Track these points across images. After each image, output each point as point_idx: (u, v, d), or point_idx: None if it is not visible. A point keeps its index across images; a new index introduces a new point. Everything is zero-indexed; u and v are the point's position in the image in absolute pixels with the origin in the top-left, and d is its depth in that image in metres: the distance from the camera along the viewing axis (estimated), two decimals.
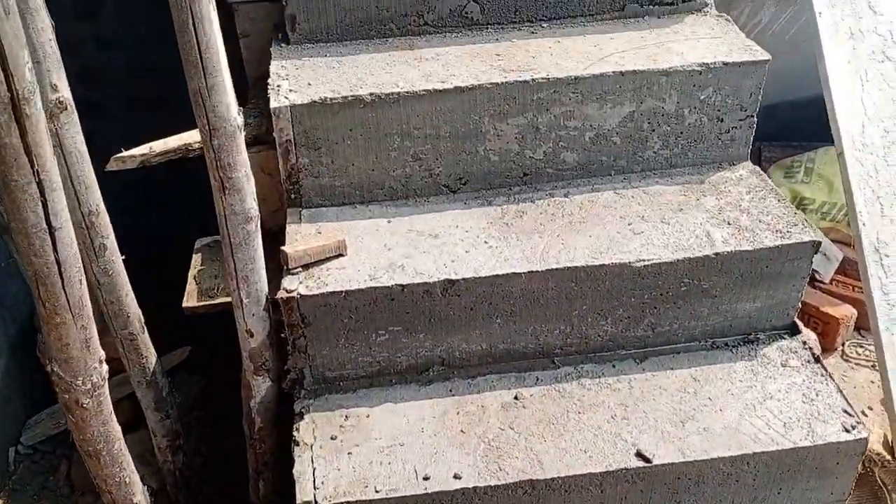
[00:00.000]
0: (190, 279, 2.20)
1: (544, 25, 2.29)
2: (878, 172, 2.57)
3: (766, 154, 4.52)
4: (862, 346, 3.25)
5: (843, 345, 3.30)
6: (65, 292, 1.38)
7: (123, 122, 3.48)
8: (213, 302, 2.10)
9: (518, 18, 2.28)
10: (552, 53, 2.13)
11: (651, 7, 2.31)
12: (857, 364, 3.22)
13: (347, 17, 2.21)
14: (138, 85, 4.00)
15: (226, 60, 1.59)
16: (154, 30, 2.79)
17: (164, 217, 3.30)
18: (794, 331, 2.07)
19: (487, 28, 2.27)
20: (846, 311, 3.21)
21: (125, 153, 2.12)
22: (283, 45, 2.23)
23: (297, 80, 2.04)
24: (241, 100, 2.40)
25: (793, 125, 4.06)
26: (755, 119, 2.18)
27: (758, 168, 2.21)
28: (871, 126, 2.61)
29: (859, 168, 2.54)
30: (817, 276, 3.48)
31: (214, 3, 1.53)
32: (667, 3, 2.31)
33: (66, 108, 1.69)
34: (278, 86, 2.01)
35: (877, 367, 2.49)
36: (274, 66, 2.11)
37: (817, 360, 1.99)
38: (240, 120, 1.64)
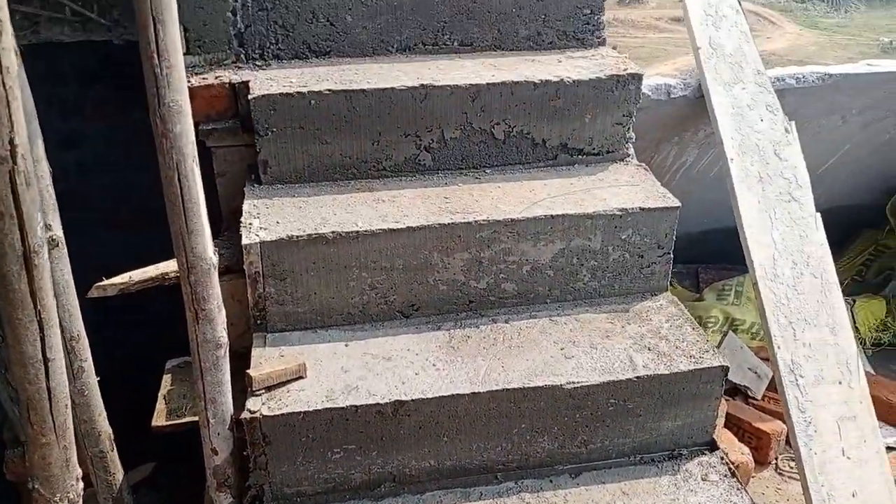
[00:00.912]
0: (160, 398, 2.36)
1: (488, 172, 2.60)
2: (790, 300, 2.87)
3: (703, 276, 4.87)
4: (794, 460, 3.47)
5: (776, 458, 3.52)
6: (52, 416, 1.55)
7: (103, 241, 3.71)
8: (180, 421, 2.26)
9: (465, 165, 2.59)
10: (493, 198, 2.43)
11: (580, 157, 2.64)
12: (789, 477, 3.43)
13: (314, 163, 2.49)
14: (116, 208, 4.26)
15: (205, 208, 1.83)
16: (131, 158, 3.04)
17: (133, 336, 3.46)
18: (713, 447, 2.29)
19: (438, 173, 2.57)
20: (777, 427, 3.45)
21: (106, 282, 2.33)
22: (255, 185, 2.49)
23: (266, 218, 2.30)
24: (216, 231, 2.65)
25: (726, 250, 4.40)
26: (671, 255, 2.48)
27: (675, 299, 2.49)
28: (782, 259, 2.94)
29: (772, 297, 2.84)
30: (749, 392, 3.74)
31: (197, 161, 1.80)
32: (593, 154, 2.64)
33: (57, 245, 1.92)
34: (250, 224, 2.26)
35: None
36: (247, 205, 2.37)
37: (733, 474, 2.20)
38: (215, 259, 1.87)
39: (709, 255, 4.77)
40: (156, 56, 1.65)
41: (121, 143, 3.84)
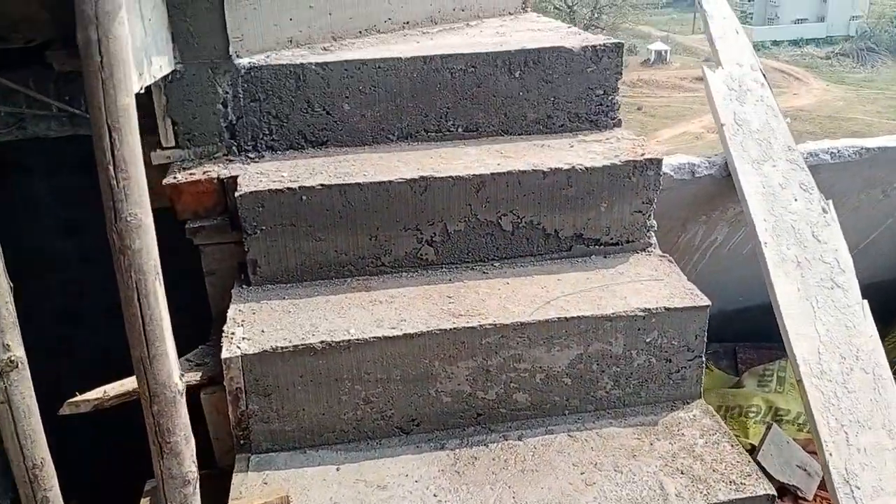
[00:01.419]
0: None
1: (496, 265, 2.39)
2: (840, 400, 2.58)
3: (741, 355, 4.55)
4: None
5: None
6: None
7: (101, 330, 3.55)
8: None
9: (471, 258, 2.39)
10: (501, 296, 2.21)
11: (597, 247, 2.42)
12: None
13: (307, 261, 2.31)
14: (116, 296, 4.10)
15: (170, 329, 1.64)
16: None
17: (110, 454, 3.27)
18: None
19: (441, 268, 2.37)
20: None
21: (79, 397, 2.14)
22: (244, 286, 2.31)
23: (251, 325, 2.10)
24: (204, 335, 2.45)
25: (765, 327, 4.11)
26: (703, 359, 2.22)
27: (710, 408, 2.22)
28: (828, 353, 2.65)
29: (820, 396, 2.55)
30: (799, 493, 3.38)
31: (161, 279, 1.61)
32: (611, 244, 2.43)
33: (17, 367, 1.72)
34: (232, 333, 2.06)
35: None
36: (232, 311, 2.18)
37: None
38: (181, 385, 1.67)
39: (747, 332, 4.47)
40: (111, 168, 1.49)
41: None
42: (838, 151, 3.12)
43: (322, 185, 2.24)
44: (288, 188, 2.22)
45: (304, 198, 2.23)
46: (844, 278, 2.80)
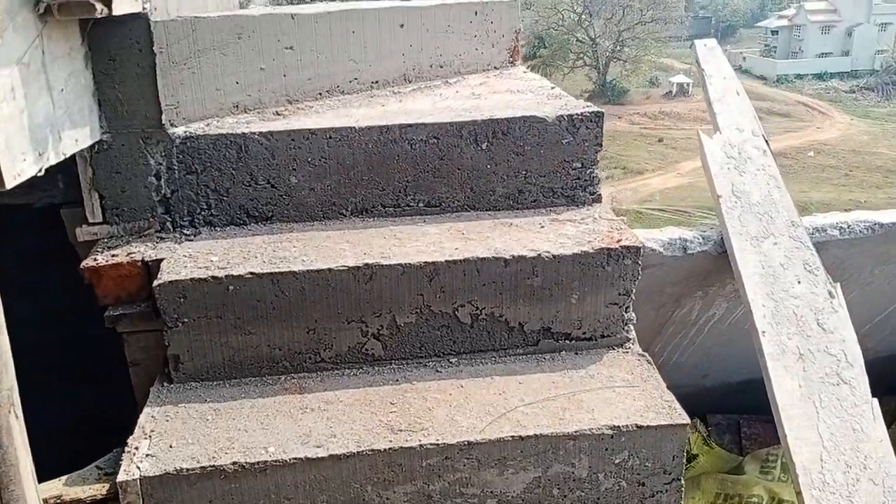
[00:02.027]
0: None
1: (452, 361, 2.12)
2: None
3: (745, 430, 4.22)
4: None
5: None
6: None
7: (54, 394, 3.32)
8: None
9: (424, 353, 2.12)
10: (451, 404, 1.93)
11: (567, 342, 2.14)
12: None
13: (236, 357, 2.05)
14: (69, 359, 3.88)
15: (30, 468, 1.39)
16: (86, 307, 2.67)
17: None
18: None
19: (390, 364, 2.10)
20: None
21: None
22: (165, 384, 2.06)
23: (161, 437, 1.84)
24: (129, 432, 2.19)
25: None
26: (682, 482, 1.92)
27: None
28: (831, 460, 2.34)
29: None
30: None
31: (18, 410, 1.36)
32: (584, 339, 2.15)
33: None
34: (136, 448, 1.80)
35: None
36: (143, 416, 1.92)
37: None
38: None
39: (751, 404, 4.14)
40: None
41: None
42: (848, 227, 2.82)
43: (252, 273, 1.99)
44: (213, 277, 1.97)
45: (231, 288, 1.98)
46: (852, 373, 2.49)
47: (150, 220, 2.27)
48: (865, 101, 52.32)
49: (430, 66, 3.02)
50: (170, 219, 2.28)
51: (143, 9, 2.12)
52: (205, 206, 2.29)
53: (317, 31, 2.56)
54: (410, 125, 2.30)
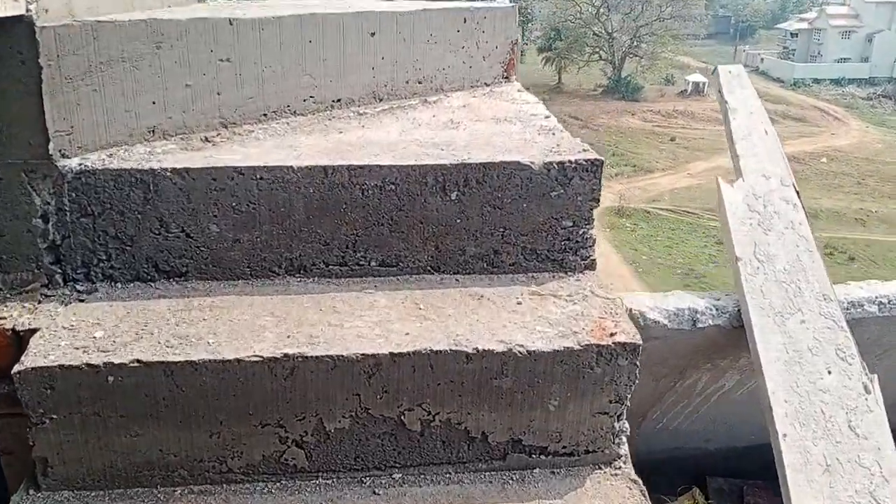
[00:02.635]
0: None
1: (395, 477, 1.67)
2: None
3: (749, 498, 3.78)
4: None
5: None
6: None
7: None
8: None
9: (360, 466, 1.67)
10: None
11: (542, 458, 1.69)
12: None
13: (119, 462, 1.61)
14: None
15: None
16: None
17: None
18: None
19: (316, 478, 1.66)
20: None
21: None
22: (31, 490, 1.62)
23: None
24: None
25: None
26: None
27: None
28: None
29: None
30: None
31: None
32: (563, 454, 1.70)
33: None
34: None
35: None
36: None
37: None
38: None
39: (757, 469, 3.71)
40: None
41: None
42: (889, 301, 2.35)
43: (139, 362, 1.54)
44: (88, 365, 1.53)
45: (112, 379, 1.54)
46: (887, 491, 2.03)
47: (35, 271, 1.82)
48: (882, 109, 51.34)
49: (407, 83, 2.56)
50: (59, 270, 1.83)
51: (28, 10, 1.66)
52: (103, 257, 1.84)
53: (262, 39, 2.09)
54: (362, 167, 1.84)
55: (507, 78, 2.96)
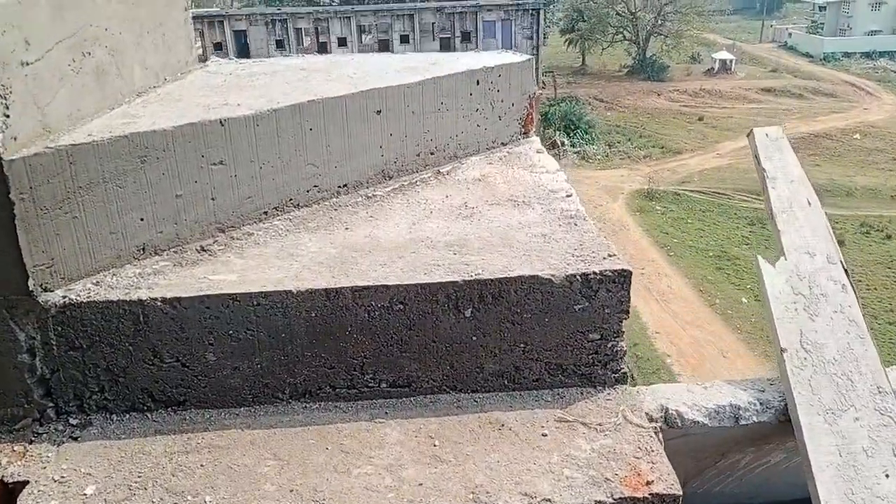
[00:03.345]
0: None
1: None
2: None
3: None
4: None
5: None
6: None
7: None
8: None
9: None
10: None
11: None
12: None
13: None
14: None
15: None
16: None
17: None
18: None
19: None
20: None
21: None
22: None
23: None
24: None
25: None
26: None
27: None
28: None
29: None
30: None
31: None
32: None
33: None
34: None
35: None
36: None
37: None
38: None
39: None
40: None
41: None
42: None
43: None
44: None
45: None
46: None
47: (26, 406, 1.70)
48: None
49: (418, 156, 2.38)
50: (51, 404, 1.71)
51: None
52: (96, 389, 1.71)
53: (257, 135, 1.94)
54: (367, 288, 1.68)
55: (525, 134, 2.77)
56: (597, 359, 1.76)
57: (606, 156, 42.89)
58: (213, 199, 1.89)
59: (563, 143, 43.13)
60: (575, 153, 43.31)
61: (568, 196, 2.19)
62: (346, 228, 2.01)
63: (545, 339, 1.74)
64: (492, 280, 1.69)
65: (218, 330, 1.67)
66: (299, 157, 2.05)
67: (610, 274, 1.70)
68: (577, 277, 1.69)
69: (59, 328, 1.65)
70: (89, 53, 1.93)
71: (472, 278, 1.69)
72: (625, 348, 1.78)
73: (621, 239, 34.59)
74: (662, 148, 43.44)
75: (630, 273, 1.71)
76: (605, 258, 1.75)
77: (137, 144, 1.71)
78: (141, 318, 1.65)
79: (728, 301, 30.16)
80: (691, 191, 38.53)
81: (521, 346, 1.74)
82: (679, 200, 37.79)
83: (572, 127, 44.21)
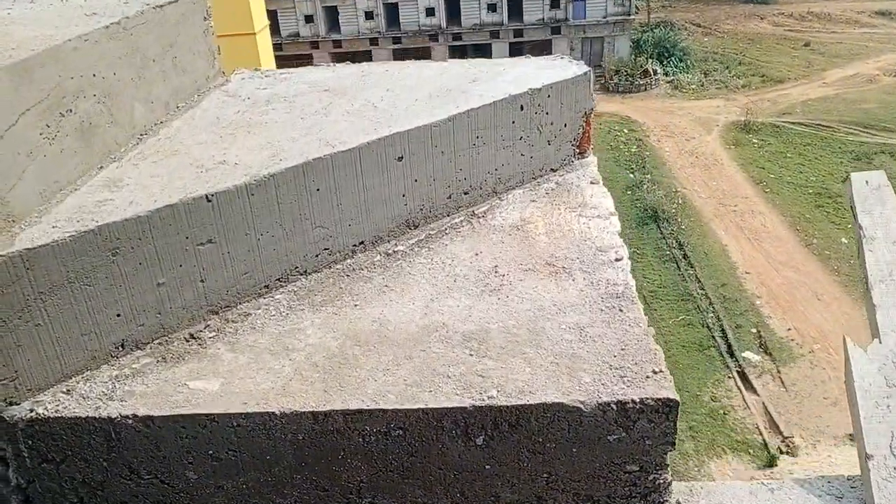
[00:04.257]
0: None
1: None
2: None
3: None
4: None
5: None
6: None
7: None
8: None
9: None
10: None
11: None
12: None
13: None
14: None
15: None
16: None
17: None
18: None
19: None
20: None
21: None
22: None
23: None
24: None
25: None
26: None
27: None
28: None
29: None
30: None
31: None
32: None
33: None
34: None
35: None
36: None
37: None
38: None
39: None
40: None
41: None
42: None
43: None
44: None
45: None
46: None
47: None
48: None
49: (449, 198, 2.08)
50: None
51: None
52: (74, 500, 1.55)
53: (253, 206, 1.69)
54: (360, 412, 1.43)
55: (581, 154, 2.40)
56: (635, 491, 1.47)
57: (701, 85, 40.61)
58: (202, 281, 1.66)
59: (655, 72, 41.04)
60: (668, 82, 41.21)
61: (618, 260, 1.85)
62: (356, 305, 1.75)
63: (573, 469, 1.45)
64: (507, 407, 1.40)
65: (196, 449, 1.47)
66: (305, 222, 1.79)
67: (652, 403, 1.38)
68: (612, 406, 1.39)
69: (30, 441, 1.49)
70: (70, 111, 1.71)
71: (483, 404, 1.41)
72: (669, 479, 1.47)
73: (714, 174, 32.96)
74: (762, 77, 40.70)
75: (677, 403, 1.38)
76: (648, 376, 1.43)
77: (107, 237, 1.49)
78: (113, 436, 1.47)
79: (826, 241, 28.48)
80: (792, 123, 36.10)
81: (545, 476, 1.47)
82: (778, 133, 35.51)
83: (665, 54, 41.95)
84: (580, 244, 1.94)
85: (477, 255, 1.93)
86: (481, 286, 1.79)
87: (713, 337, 24.38)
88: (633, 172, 32.92)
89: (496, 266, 1.87)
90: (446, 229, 2.06)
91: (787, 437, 20.33)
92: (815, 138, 34.98)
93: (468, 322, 1.65)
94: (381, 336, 1.63)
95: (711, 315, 25.27)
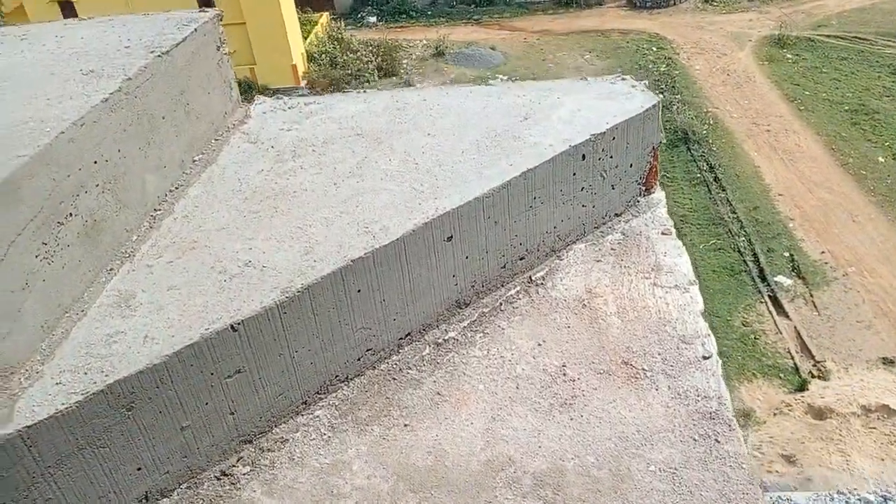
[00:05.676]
0: None
1: None
2: None
3: None
4: None
5: None
6: None
7: None
8: None
9: None
10: None
11: None
12: None
13: None
14: None
15: None
16: None
17: None
18: None
19: None
20: None
21: None
22: None
23: None
24: None
25: None
26: None
27: None
28: None
29: None
30: None
31: None
32: None
33: None
34: None
35: None
36: None
37: None
38: None
39: None
40: None
41: None
42: None
43: None
44: None
45: None
46: None
47: None
48: None
49: (503, 268, 1.81)
50: None
51: None
52: None
53: (286, 325, 1.43)
54: None
55: (648, 191, 2.09)
56: None
57: None
58: (231, 413, 1.43)
59: None
60: None
61: (706, 358, 1.58)
62: (406, 424, 1.52)
63: None
64: None
65: None
66: (345, 328, 1.54)
67: None
68: None
69: None
70: (70, 215, 1.45)
71: None
72: None
73: (747, 93, 31.61)
74: None
75: None
76: None
77: (120, 394, 1.26)
78: None
79: (862, 160, 27.39)
80: (828, 36, 34.20)
81: None
82: (813, 47, 33.72)
83: None
84: (659, 331, 1.66)
85: (540, 345, 1.67)
86: (549, 397, 1.54)
87: (745, 261, 23.94)
88: (662, 93, 31.74)
89: (564, 365, 1.61)
90: (501, 304, 1.79)
91: (818, 362, 20.13)
92: (851, 52, 33.22)
93: (538, 457, 1.41)
94: (437, 476, 1.40)
95: (743, 239, 24.75)
